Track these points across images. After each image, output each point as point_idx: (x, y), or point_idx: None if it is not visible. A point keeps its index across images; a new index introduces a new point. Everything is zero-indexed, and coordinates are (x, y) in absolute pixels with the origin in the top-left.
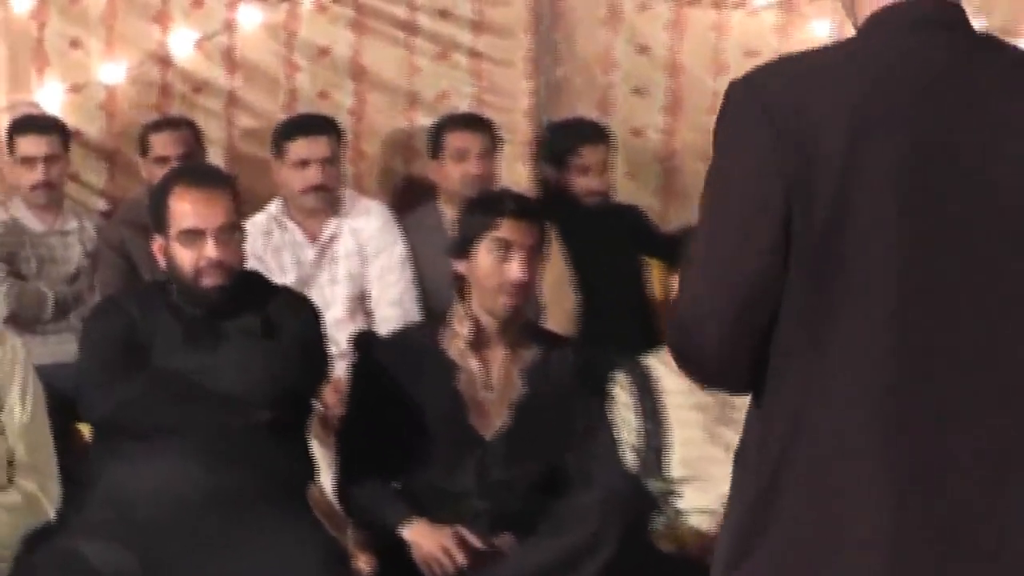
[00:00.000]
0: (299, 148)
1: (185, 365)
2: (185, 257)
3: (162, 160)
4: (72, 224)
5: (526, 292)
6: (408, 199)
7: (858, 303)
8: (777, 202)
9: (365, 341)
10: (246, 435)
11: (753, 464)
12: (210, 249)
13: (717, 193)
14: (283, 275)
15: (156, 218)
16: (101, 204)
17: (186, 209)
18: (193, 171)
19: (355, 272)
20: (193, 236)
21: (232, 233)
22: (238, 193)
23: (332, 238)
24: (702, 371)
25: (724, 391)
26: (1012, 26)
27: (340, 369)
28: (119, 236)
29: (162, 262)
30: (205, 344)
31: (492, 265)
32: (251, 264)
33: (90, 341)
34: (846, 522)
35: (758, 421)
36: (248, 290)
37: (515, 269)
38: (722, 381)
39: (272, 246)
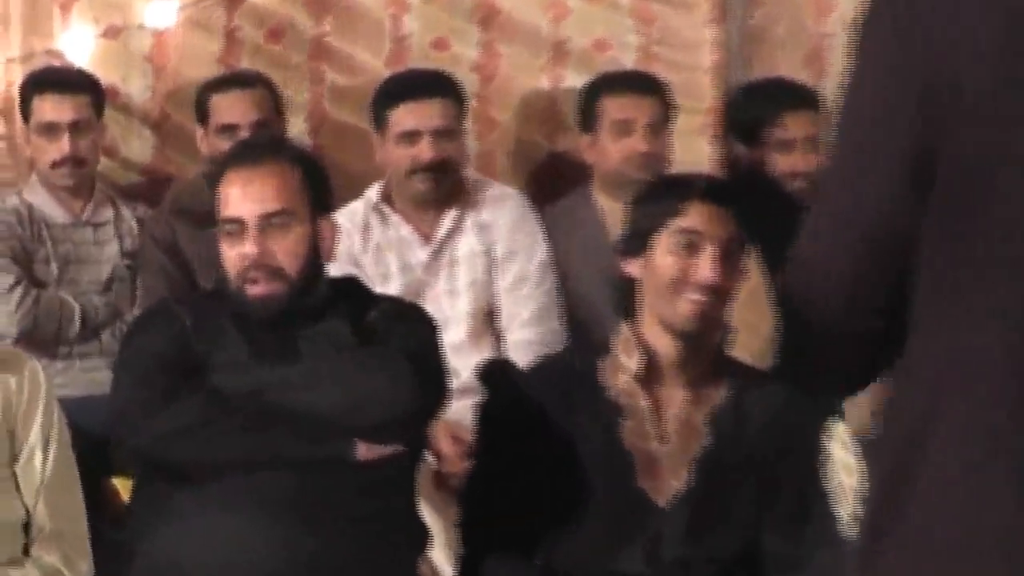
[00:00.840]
0: (406, 116)
1: (253, 383)
2: (227, 256)
3: (227, 130)
4: (106, 214)
5: (719, 302)
6: (552, 184)
7: (1014, 259)
8: (910, 118)
9: (496, 373)
10: (334, 478)
11: (885, 445)
12: (248, 244)
13: (844, 107)
14: (385, 284)
15: (215, 208)
16: (145, 187)
17: (228, 194)
18: (248, 147)
19: (481, 281)
20: (235, 227)
21: (288, 222)
22: (318, 172)
23: (451, 236)
24: (823, 318)
25: (847, 361)
26: None
27: (461, 410)
28: (169, 230)
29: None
30: (279, 356)
31: (674, 264)
32: (343, 268)
33: (130, 355)
34: (983, 514)
35: (892, 396)
36: (338, 299)
37: (705, 268)
38: (845, 343)
39: (372, 245)
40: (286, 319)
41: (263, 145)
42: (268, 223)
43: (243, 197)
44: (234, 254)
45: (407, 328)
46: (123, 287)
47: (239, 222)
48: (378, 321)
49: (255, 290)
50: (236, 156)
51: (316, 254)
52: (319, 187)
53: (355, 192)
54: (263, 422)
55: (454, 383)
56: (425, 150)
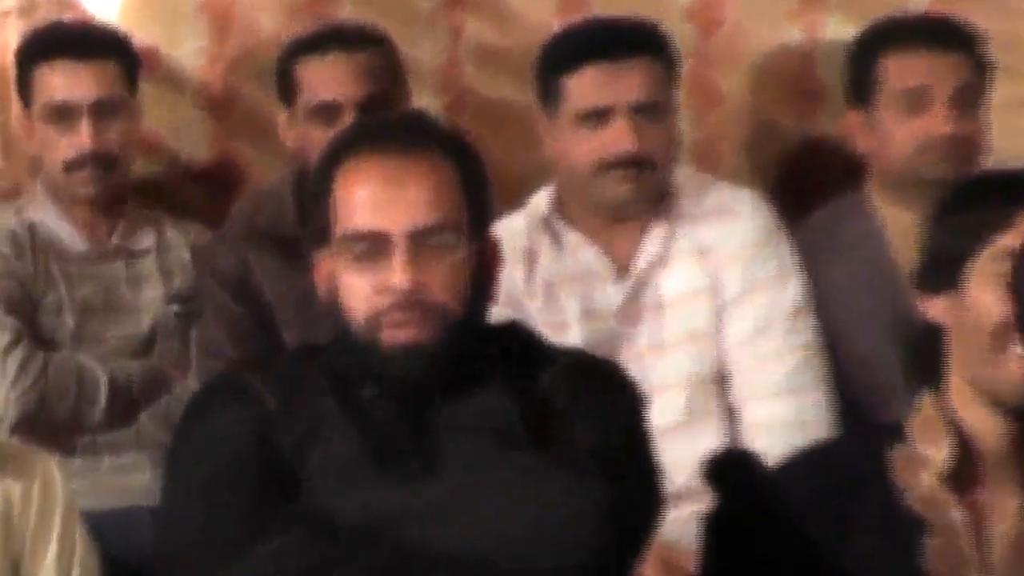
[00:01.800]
0: (591, 85)
1: (375, 505)
2: (356, 289)
3: (324, 111)
4: (146, 239)
5: None
6: (807, 186)
7: None
8: None
9: (731, 471)
10: None
11: None
12: (398, 272)
13: None
14: (561, 333)
15: (317, 220)
16: (202, 198)
17: (360, 198)
18: (384, 128)
19: (703, 331)
20: (371, 245)
21: (448, 243)
22: (478, 170)
23: (658, 264)
24: None
25: None
26: None
27: (677, 525)
28: (239, 262)
29: (327, 301)
30: (413, 458)
31: (1002, 304)
32: (498, 313)
33: (187, 456)
34: None
35: None
36: (495, 356)
37: None
38: None
39: (540, 280)
40: (428, 386)
41: (408, 124)
42: (422, 243)
43: (385, 203)
44: (369, 286)
45: (600, 403)
46: (170, 346)
47: (380, 239)
48: (556, 390)
49: (399, 336)
50: (367, 137)
51: (477, 290)
52: (479, 192)
53: (510, 200)
54: (392, 564)
55: (668, 488)
56: (619, 136)
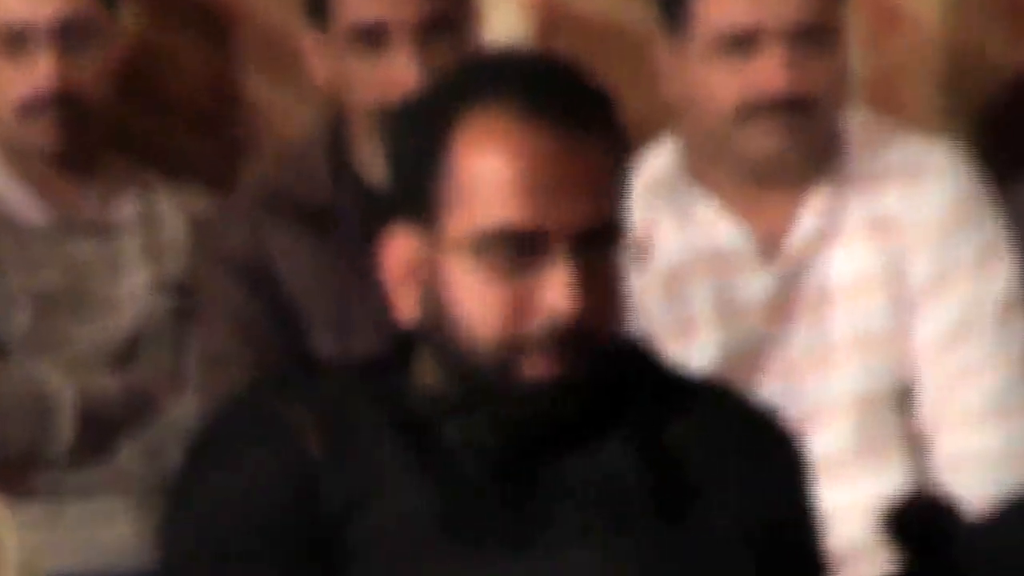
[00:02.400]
0: (726, 6)
1: None
2: (489, 303)
3: (366, 35)
4: (128, 209)
5: None
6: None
7: None
8: None
9: (922, 523)
10: None
11: None
12: (555, 288)
13: None
14: (686, 337)
15: (411, 189)
16: (206, 155)
17: (506, 179)
18: (534, 79)
19: (880, 332)
20: (511, 245)
21: (609, 247)
22: (624, 145)
23: (819, 241)
24: None
25: None
26: None
27: None
28: (252, 239)
29: (406, 305)
30: (507, 534)
31: None
32: None
33: (195, 517)
34: None
35: None
36: (618, 391)
37: None
38: None
39: (658, 261)
40: (547, 435)
41: (560, 75)
42: (585, 249)
43: (543, 190)
44: (512, 303)
45: (753, 470)
46: (159, 352)
47: (532, 237)
48: (695, 445)
49: (542, 369)
50: (513, 87)
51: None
52: (623, 174)
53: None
54: None
55: (831, 542)
56: (782, 68)
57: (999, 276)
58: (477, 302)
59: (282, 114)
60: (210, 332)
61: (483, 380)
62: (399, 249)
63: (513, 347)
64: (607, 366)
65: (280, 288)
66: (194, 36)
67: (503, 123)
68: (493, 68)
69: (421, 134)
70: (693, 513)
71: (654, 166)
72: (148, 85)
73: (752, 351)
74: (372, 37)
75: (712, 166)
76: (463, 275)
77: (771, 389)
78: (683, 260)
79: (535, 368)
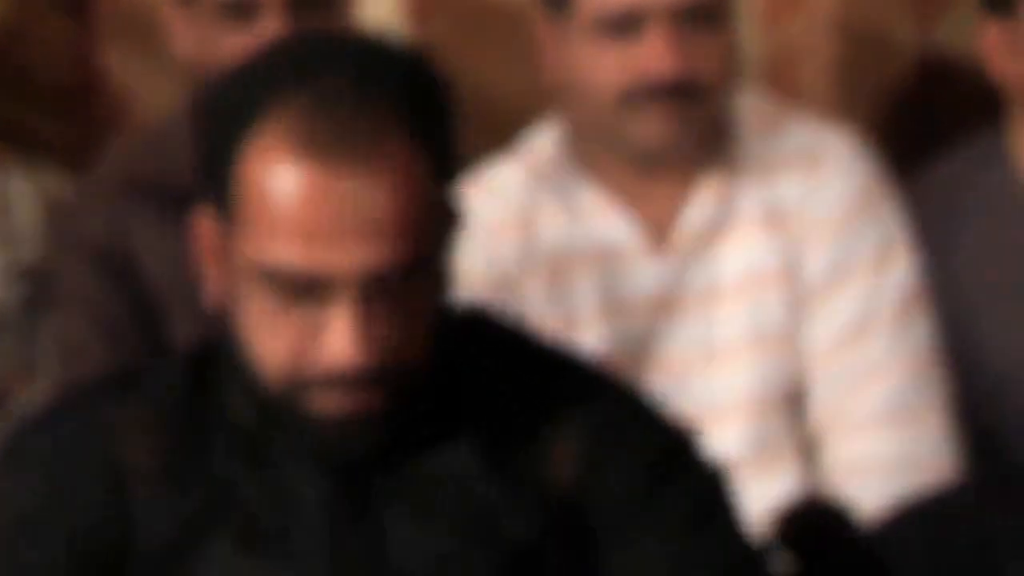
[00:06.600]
0: None
1: None
2: (270, 328)
3: (234, 7)
4: None
5: None
6: (926, 123)
7: None
8: None
9: (814, 531)
10: None
11: None
12: (340, 341)
13: None
14: (571, 332)
15: (216, 182)
16: (61, 132)
17: (286, 215)
18: (327, 95)
19: (774, 329)
20: (292, 285)
21: (420, 281)
22: (443, 127)
23: (710, 234)
24: None
25: None
26: None
27: None
28: (111, 224)
29: (213, 288)
30: (341, 547)
31: None
32: (480, 288)
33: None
34: None
35: None
36: (460, 382)
37: None
38: None
39: (542, 255)
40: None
41: (356, 92)
42: (380, 289)
43: (327, 238)
44: (284, 334)
45: (662, 499)
46: (11, 341)
47: (307, 282)
48: (582, 471)
49: (331, 405)
50: (307, 100)
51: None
52: (446, 157)
53: (499, 141)
54: None
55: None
56: (668, 50)
57: (897, 272)
58: (264, 329)
59: (146, 93)
60: (65, 321)
61: (275, 406)
62: (205, 230)
63: (298, 383)
64: (418, 393)
65: (140, 276)
66: (51, 9)
67: (296, 146)
68: (304, 64)
69: (221, 123)
70: (584, 558)
71: (538, 150)
72: (1, 61)
73: (639, 347)
74: (239, 8)
75: (598, 153)
76: (250, 295)
77: (660, 386)
78: (568, 251)
79: (324, 403)
